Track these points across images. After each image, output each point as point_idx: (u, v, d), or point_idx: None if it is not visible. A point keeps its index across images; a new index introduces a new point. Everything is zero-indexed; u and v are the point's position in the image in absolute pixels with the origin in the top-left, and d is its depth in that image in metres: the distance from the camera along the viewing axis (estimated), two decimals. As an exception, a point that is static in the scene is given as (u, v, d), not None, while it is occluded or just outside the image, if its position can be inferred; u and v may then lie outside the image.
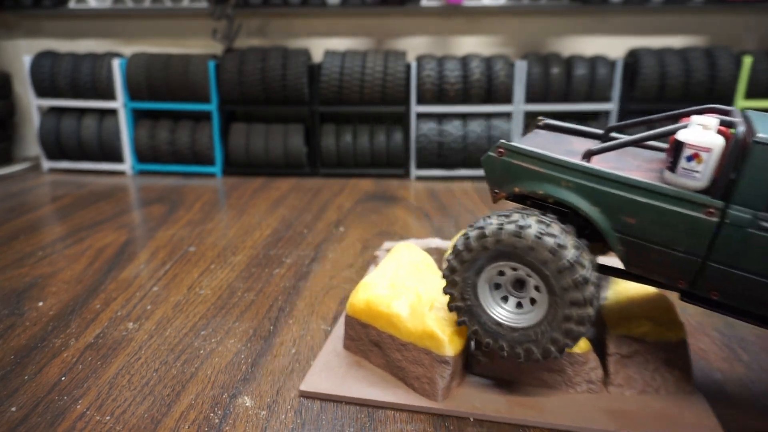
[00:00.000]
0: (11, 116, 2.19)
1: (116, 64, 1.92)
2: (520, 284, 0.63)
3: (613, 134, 0.72)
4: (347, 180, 1.90)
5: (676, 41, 2.02)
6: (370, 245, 1.24)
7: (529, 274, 0.60)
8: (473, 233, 0.61)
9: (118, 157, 1.99)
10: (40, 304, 0.96)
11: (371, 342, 0.74)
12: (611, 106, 1.88)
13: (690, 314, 0.91)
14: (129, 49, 2.14)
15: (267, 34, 2.10)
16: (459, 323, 0.66)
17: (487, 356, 0.71)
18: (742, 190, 0.53)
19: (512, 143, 0.64)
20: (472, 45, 2.07)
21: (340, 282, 1.05)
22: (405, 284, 0.76)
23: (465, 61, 1.87)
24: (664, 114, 0.67)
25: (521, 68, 1.85)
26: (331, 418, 0.66)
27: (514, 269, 0.62)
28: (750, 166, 0.52)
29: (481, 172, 1.89)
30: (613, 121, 1.89)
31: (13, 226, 1.39)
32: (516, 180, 0.64)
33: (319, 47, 2.08)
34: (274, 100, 1.92)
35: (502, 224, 0.60)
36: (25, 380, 0.74)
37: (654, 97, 1.86)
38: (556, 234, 0.58)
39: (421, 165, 1.92)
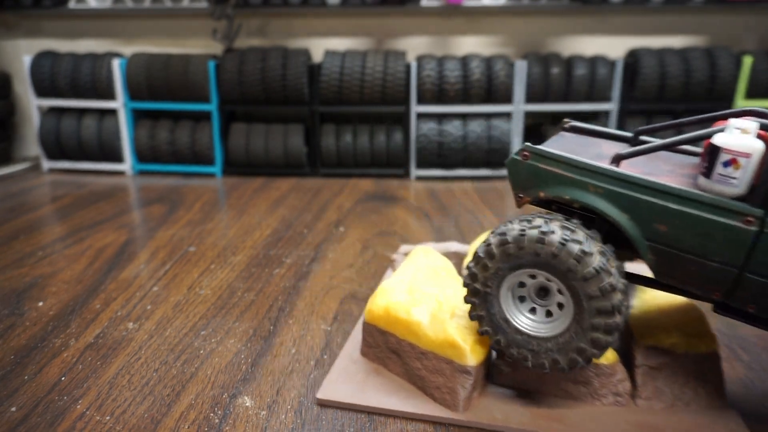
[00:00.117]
0: (11, 116, 2.19)
1: (116, 64, 1.92)
2: (544, 292, 0.61)
3: (643, 137, 0.70)
4: (347, 180, 1.90)
5: (676, 41, 2.02)
6: (370, 245, 1.24)
7: (551, 279, 0.58)
8: (494, 240, 0.59)
9: (118, 157, 1.99)
10: (40, 304, 0.96)
11: (390, 349, 0.72)
12: (611, 106, 1.88)
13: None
14: (129, 49, 2.14)
15: (267, 34, 2.10)
16: (481, 332, 0.64)
17: (509, 366, 0.69)
18: None
19: (538, 146, 0.62)
20: (472, 45, 2.07)
21: (340, 282, 1.05)
22: (424, 290, 0.73)
23: (465, 61, 1.87)
24: (696, 117, 0.65)
25: (521, 68, 1.85)
26: (331, 419, 0.66)
27: (533, 276, 0.60)
28: None
29: (480, 172, 1.89)
30: (612, 121, 1.89)
31: (13, 226, 1.39)
32: (541, 184, 0.62)
33: (319, 47, 2.08)
34: (274, 100, 1.92)
35: (524, 230, 0.57)
36: (25, 380, 0.74)
37: (654, 97, 1.86)
38: (581, 240, 0.55)
39: (421, 165, 1.92)
